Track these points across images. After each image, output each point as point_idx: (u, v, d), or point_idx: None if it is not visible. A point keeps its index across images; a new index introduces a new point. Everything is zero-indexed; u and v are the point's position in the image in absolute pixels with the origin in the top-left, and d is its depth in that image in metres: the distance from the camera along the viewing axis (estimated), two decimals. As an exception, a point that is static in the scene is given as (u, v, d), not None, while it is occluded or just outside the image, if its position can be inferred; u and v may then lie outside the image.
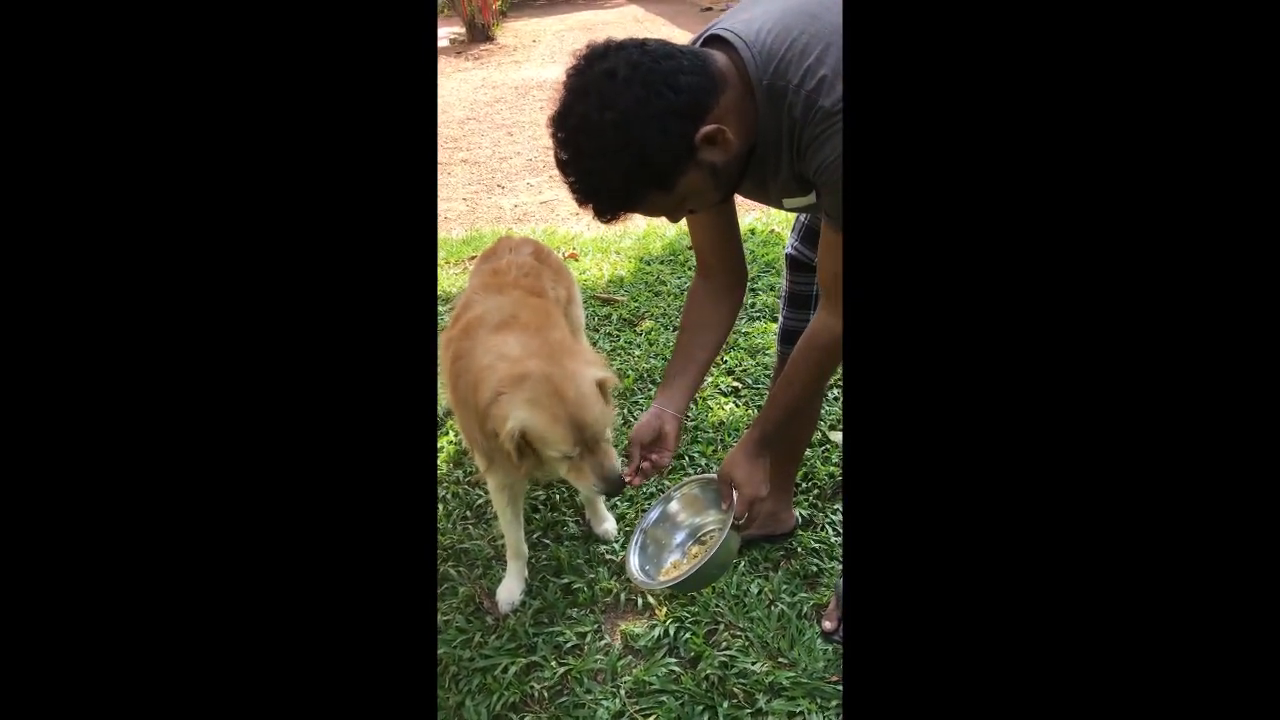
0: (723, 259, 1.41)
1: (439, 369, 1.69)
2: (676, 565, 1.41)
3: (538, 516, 2.03)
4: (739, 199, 1.31)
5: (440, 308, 2.95)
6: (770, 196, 1.27)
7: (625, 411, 2.42)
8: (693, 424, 2.29)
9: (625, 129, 0.99)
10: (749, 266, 3.14)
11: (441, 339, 1.71)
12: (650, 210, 1.13)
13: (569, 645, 1.66)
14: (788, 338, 1.65)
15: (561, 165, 1.07)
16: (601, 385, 1.45)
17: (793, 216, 1.64)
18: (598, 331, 2.82)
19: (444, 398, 1.78)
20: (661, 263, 3.33)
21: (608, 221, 1.13)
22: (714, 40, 1.12)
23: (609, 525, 1.92)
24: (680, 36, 1.24)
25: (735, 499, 1.31)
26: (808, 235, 1.53)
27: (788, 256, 1.59)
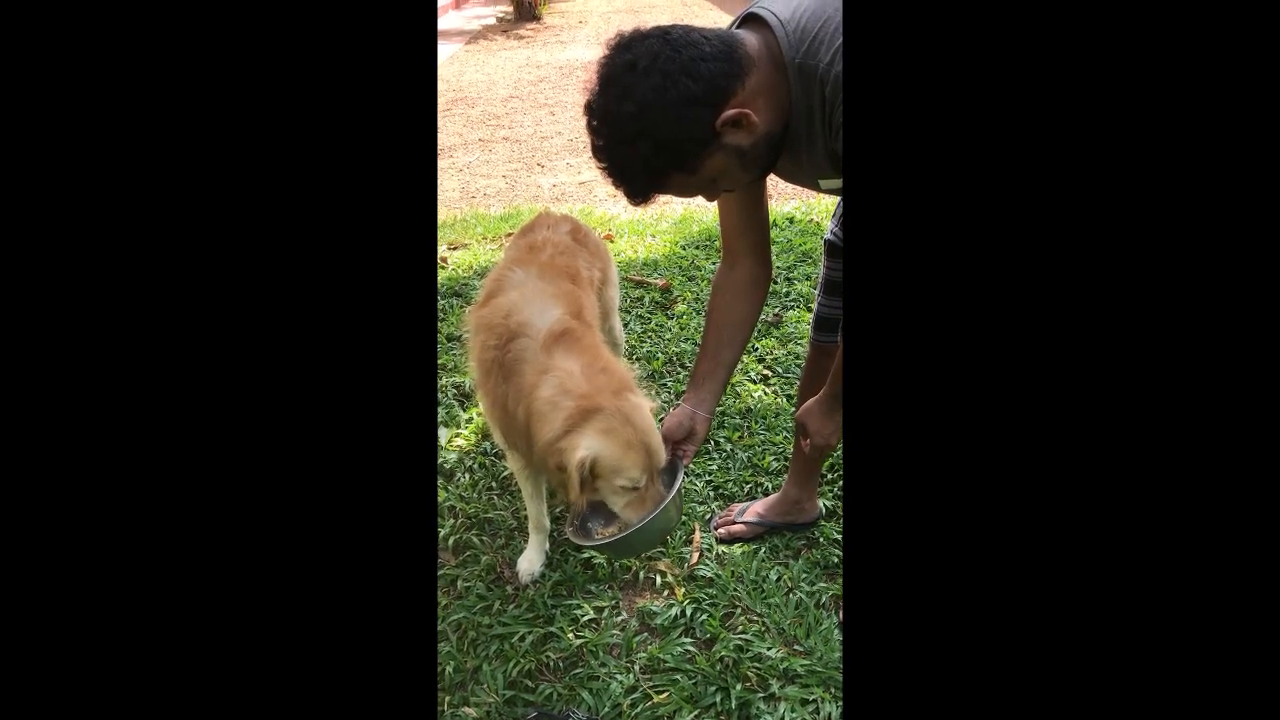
0: (749, 244, 1.42)
1: (469, 347, 1.70)
2: (621, 527, 1.45)
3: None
4: (783, 186, 1.31)
5: (476, 281, 2.97)
6: (805, 177, 1.27)
7: (654, 394, 2.42)
8: (721, 410, 2.28)
9: (644, 118, 1.04)
10: (786, 255, 3.15)
11: (471, 317, 1.70)
12: (680, 192, 1.17)
13: (586, 619, 1.67)
14: (822, 325, 1.64)
15: (595, 152, 1.13)
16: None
17: (834, 205, 1.62)
18: (630, 314, 2.83)
19: (470, 376, 1.78)
20: (696, 247, 3.32)
21: (641, 204, 1.18)
22: (751, 19, 1.14)
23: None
24: (725, 19, 1.25)
25: (805, 446, 1.41)
26: (848, 221, 1.52)
27: (827, 242, 1.58)
